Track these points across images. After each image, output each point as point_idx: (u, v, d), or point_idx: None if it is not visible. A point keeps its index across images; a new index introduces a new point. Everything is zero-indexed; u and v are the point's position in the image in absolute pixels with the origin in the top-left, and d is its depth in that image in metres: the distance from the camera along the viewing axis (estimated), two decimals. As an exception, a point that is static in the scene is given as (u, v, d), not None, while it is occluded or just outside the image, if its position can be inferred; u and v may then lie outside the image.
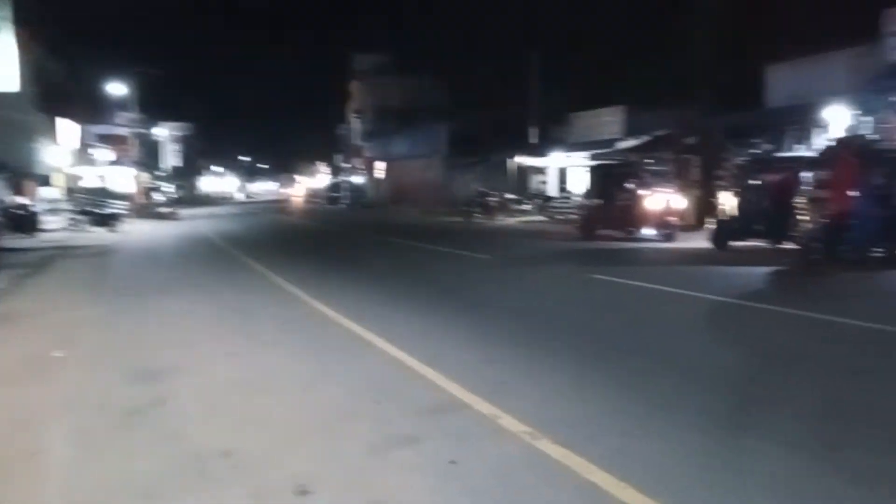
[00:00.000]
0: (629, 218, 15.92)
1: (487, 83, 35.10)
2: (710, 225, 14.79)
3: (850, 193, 9.95)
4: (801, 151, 15.78)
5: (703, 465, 3.29)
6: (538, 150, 29.32)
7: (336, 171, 62.94)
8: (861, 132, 15.56)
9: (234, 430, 3.88)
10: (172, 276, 11.45)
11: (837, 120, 16.53)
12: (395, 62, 53.28)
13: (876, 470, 3.22)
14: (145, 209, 32.40)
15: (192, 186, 61.92)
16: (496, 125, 32.48)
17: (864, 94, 16.33)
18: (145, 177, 41.03)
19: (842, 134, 15.57)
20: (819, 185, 10.23)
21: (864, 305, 7.50)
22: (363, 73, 54.01)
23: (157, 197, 36.31)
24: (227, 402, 4.43)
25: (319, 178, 71.86)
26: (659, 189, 16.01)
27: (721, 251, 13.24)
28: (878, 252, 10.65)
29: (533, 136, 29.73)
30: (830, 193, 9.92)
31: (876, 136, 15.12)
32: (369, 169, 49.85)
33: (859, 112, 16.37)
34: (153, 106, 42.82)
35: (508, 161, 30.67)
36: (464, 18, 37.55)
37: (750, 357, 5.39)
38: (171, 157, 52.18)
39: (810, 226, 10.87)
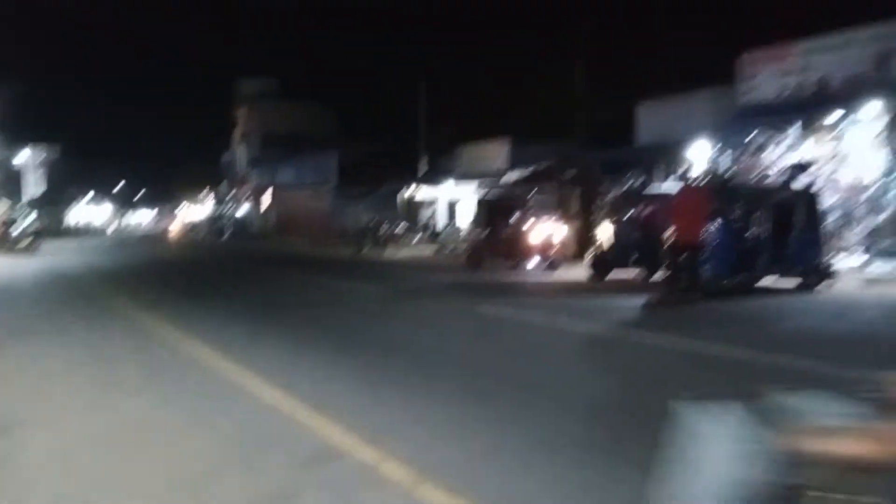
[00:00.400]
0: (514, 249, 16.33)
1: (377, 113, 35.29)
2: (590, 255, 15.42)
3: (702, 227, 10.65)
4: (669, 186, 16.85)
5: (581, 501, 3.31)
6: (428, 181, 29.63)
7: (221, 199, 60.71)
8: (721, 168, 16.86)
9: (86, 492, 3.50)
10: (26, 316, 10.44)
11: (701, 156, 17.84)
12: (282, 88, 52.41)
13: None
14: (1, 241, 29.68)
15: (60, 216, 57.61)
16: (386, 155, 32.60)
17: (724, 133, 17.76)
18: (3, 205, 37.72)
19: (703, 169, 16.77)
20: (672, 218, 10.87)
21: (722, 332, 8.01)
22: (249, 99, 52.72)
23: (15, 228, 33.32)
24: (79, 459, 4.01)
25: (203, 207, 68.99)
26: (542, 221, 16.55)
27: (599, 282, 13.80)
28: (735, 281, 11.49)
29: (422, 167, 30.03)
30: (683, 226, 10.56)
31: (734, 172, 16.44)
32: (256, 198, 48.45)
33: (720, 149, 17.77)
34: (15, 126, 39.61)
35: (398, 192, 30.76)
36: (353, 46, 37.66)
37: (621, 387, 5.58)
38: (34, 183, 48.40)
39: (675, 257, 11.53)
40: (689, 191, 11.11)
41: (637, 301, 10.70)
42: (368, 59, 34.74)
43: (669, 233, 10.80)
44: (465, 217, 26.74)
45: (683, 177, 12.74)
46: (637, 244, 13.60)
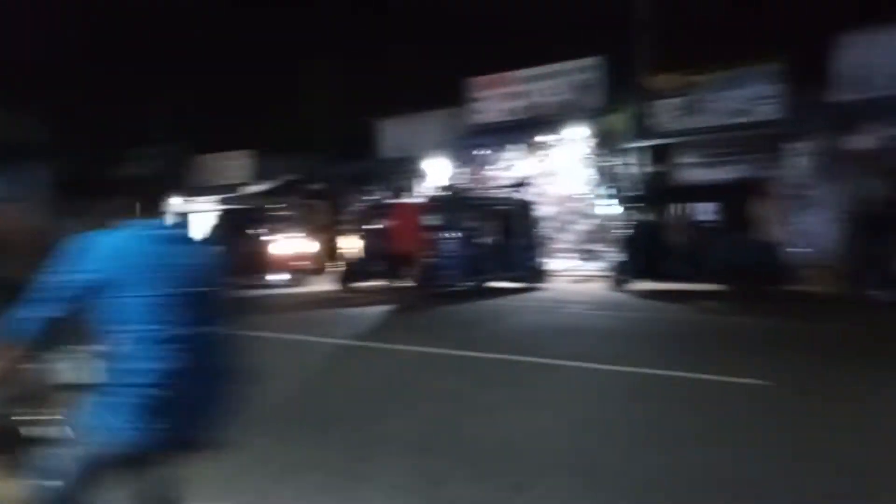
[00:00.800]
0: (258, 263, 15.77)
1: (101, 122, 31.75)
2: (338, 267, 15.52)
3: (421, 237, 11.49)
4: (409, 198, 17.67)
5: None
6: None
7: None
8: (453, 182, 18.13)
9: None
10: None
11: (436, 170, 19.00)
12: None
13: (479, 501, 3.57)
14: None
15: None
16: (111, 165, 29.48)
17: (455, 150, 19.12)
18: None
19: (437, 183, 17.90)
20: (394, 230, 11.57)
21: (453, 335, 8.64)
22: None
23: None
24: None
25: None
26: (288, 234, 16.25)
27: (347, 293, 13.93)
28: (468, 285, 12.44)
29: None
30: (404, 237, 11.31)
31: (464, 186, 17.77)
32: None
33: (452, 164, 19.09)
34: None
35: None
36: (72, 53, 33.55)
37: (361, 396, 5.72)
38: None
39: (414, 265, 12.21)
40: (407, 204, 11.86)
41: (376, 309, 11.06)
42: (92, 67, 31.02)
43: (394, 243, 11.42)
44: (202, 231, 25.18)
45: (404, 191, 13.57)
46: (381, 254, 14.00)
